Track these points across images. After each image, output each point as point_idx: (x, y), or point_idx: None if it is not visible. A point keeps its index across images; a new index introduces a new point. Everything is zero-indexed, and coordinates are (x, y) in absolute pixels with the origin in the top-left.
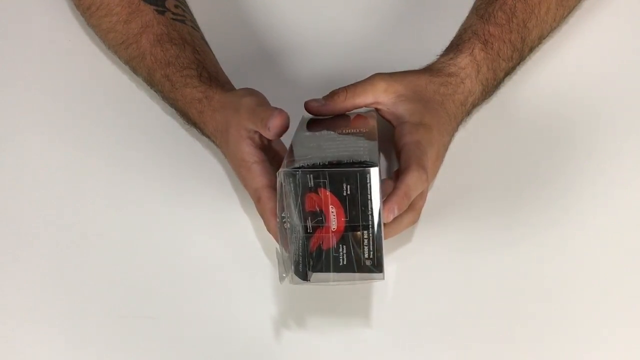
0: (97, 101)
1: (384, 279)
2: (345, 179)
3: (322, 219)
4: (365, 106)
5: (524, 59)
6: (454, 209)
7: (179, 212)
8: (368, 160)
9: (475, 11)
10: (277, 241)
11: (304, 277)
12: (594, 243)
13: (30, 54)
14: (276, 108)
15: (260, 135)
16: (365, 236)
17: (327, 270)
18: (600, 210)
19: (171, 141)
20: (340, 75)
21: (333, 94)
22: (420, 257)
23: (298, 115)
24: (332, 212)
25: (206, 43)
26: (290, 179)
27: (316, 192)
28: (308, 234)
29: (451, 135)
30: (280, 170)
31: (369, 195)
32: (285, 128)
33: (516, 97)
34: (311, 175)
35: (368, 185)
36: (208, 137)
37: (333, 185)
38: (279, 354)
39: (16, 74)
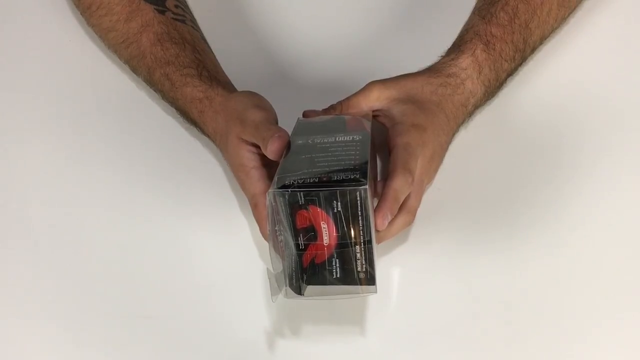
0: (97, 101)
1: (376, 292)
2: (335, 197)
3: (314, 235)
4: (362, 115)
5: (526, 60)
6: (452, 210)
7: (178, 213)
8: (358, 176)
9: (477, 12)
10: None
11: (298, 291)
12: (593, 245)
13: (30, 54)
14: (278, 129)
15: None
16: (358, 250)
17: (321, 284)
18: (601, 212)
19: (171, 141)
20: (342, 77)
21: (330, 107)
22: (418, 259)
23: (297, 115)
24: (324, 227)
25: (206, 43)
26: (281, 199)
27: (307, 208)
28: (300, 250)
29: (449, 136)
30: (270, 190)
31: (359, 212)
32: (283, 150)
33: (516, 98)
34: (301, 194)
35: (358, 202)
36: (208, 136)
37: (323, 203)
38: (277, 355)
39: (16, 73)
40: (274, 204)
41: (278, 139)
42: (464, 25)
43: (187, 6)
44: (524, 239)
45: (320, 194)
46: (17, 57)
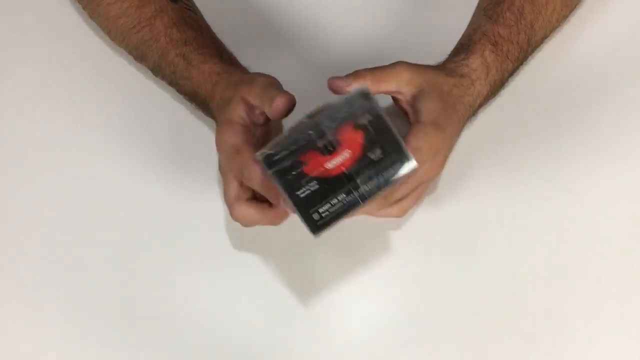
0: (97, 98)
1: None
2: (388, 144)
3: (332, 150)
4: (387, 93)
5: (527, 59)
6: (451, 206)
7: (177, 211)
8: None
9: (483, 12)
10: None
11: (269, 166)
12: (596, 241)
13: (31, 49)
14: (286, 92)
15: (260, 114)
16: (340, 198)
17: (281, 185)
18: (602, 207)
19: (171, 140)
20: (350, 60)
21: (357, 75)
22: (417, 252)
23: (306, 99)
24: (346, 154)
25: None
26: (361, 99)
27: (356, 129)
28: (315, 146)
29: (458, 137)
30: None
31: (384, 172)
32: (287, 110)
33: (514, 96)
34: (371, 111)
35: (398, 169)
36: (211, 110)
37: (374, 138)
38: (277, 355)
39: (18, 67)
40: (352, 97)
41: (286, 94)
42: (470, 25)
43: (194, 4)
44: (524, 234)
45: (382, 127)
46: (19, 51)
